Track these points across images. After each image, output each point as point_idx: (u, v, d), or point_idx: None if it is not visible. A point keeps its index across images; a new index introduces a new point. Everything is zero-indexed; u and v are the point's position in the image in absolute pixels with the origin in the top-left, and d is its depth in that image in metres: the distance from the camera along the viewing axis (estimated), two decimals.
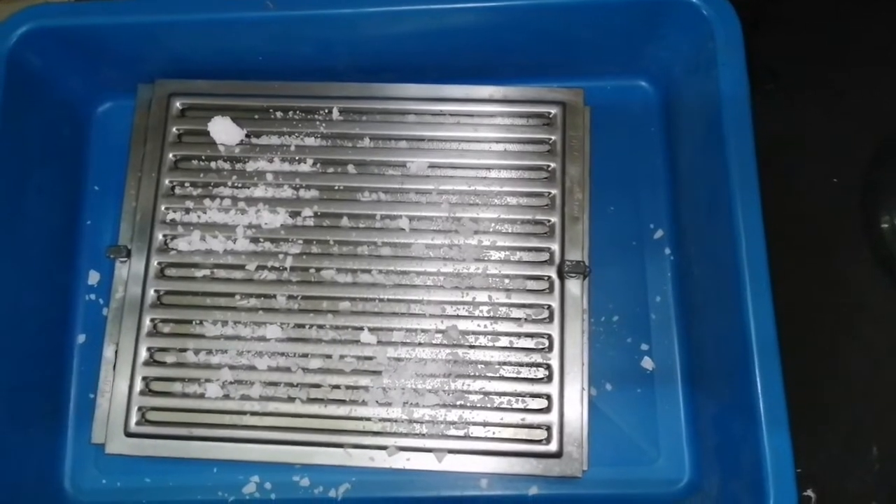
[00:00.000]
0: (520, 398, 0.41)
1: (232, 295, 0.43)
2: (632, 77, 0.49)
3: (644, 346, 0.45)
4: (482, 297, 0.42)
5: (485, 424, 0.41)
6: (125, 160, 0.46)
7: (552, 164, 0.44)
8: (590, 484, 0.42)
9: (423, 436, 0.41)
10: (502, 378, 0.42)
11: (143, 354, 0.42)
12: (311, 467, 0.43)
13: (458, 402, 0.41)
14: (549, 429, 0.41)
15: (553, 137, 0.44)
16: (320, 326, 0.42)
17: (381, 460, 0.41)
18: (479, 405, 0.41)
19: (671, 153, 0.47)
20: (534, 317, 0.42)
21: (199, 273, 0.43)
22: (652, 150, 0.48)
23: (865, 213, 0.47)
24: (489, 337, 0.42)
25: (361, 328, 0.42)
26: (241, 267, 0.43)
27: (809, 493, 0.43)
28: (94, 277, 0.47)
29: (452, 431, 0.41)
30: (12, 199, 0.42)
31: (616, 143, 0.48)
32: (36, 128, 0.44)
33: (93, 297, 0.46)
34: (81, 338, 0.46)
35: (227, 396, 0.42)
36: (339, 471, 0.42)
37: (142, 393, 0.42)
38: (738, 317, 0.38)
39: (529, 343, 0.42)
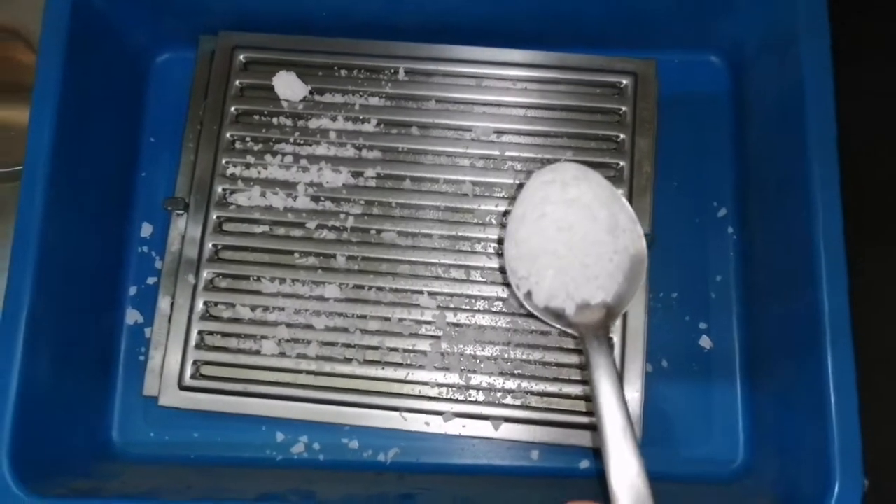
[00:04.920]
0: (580, 370, 0.41)
1: (291, 252, 0.42)
2: (701, 51, 0.48)
3: (702, 325, 0.44)
4: None
5: (543, 394, 0.41)
6: (182, 113, 0.46)
7: (621, 136, 0.43)
8: None
9: (479, 403, 0.40)
10: (562, 349, 0.41)
11: (200, 308, 0.42)
12: (360, 430, 0.42)
13: (517, 371, 0.41)
14: None
15: (623, 108, 0.43)
16: (379, 288, 0.42)
17: (436, 426, 0.40)
18: (538, 375, 0.41)
19: (739, 130, 0.46)
20: None
21: (258, 229, 0.43)
22: (719, 127, 0.47)
23: None
24: None
25: (421, 292, 0.42)
26: (301, 225, 0.43)
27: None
28: (147, 230, 0.46)
29: (510, 400, 0.41)
30: (74, 146, 0.41)
31: (682, 117, 0.47)
32: (97, 74, 0.43)
33: (145, 249, 0.46)
34: (133, 290, 0.45)
35: (282, 354, 0.41)
36: (389, 435, 0.42)
37: (197, 347, 0.41)
38: (810, 299, 0.37)
39: None
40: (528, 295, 0.38)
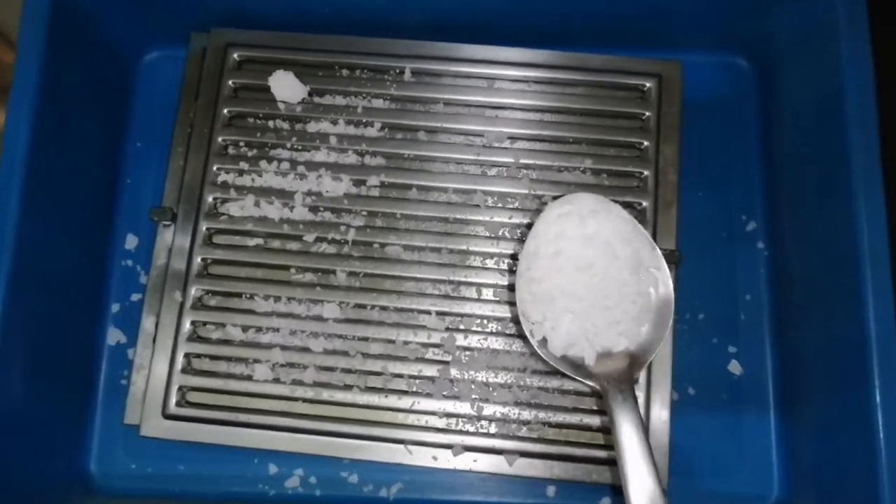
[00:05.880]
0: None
1: (287, 268, 0.39)
2: (729, 53, 0.45)
3: (732, 349, 0.41)
4: None
5: (561, 426, 0.37)
6: (171, 115, 0.43)
7: (645, 143, 0.40)
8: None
9: (492, 435, 0.37)
10: None
11: (187, 328, 0.38)
12: (360, 463, 0.39)
13: (534, 400, 0.37)
14: None
15: (647, 113, 0.40)
16: (383, 308, 0.39)
17: (444, 460, 0.37)
18: (556, 404, 0.37)
19: (769, 138, 0.43)
20: None
21: (252, 242, 0.40)
22: (747, 135, 0.44)
23: None
24: None
25: (428, 312, 0.38)
26: (299, 237, 0.39)
27: None
28: (131, 242, 0.43)
29: (525, 432, 0.37)
30: (53, 150, 0.38)
31: (707, 124, 0.44)
32: (79, 72, 0.40)
33: (129, 262, 0.43)
34: (115, 307, 0.42)
35: (276, 380, 0.38)
36: (391, 469, 0.38)
37: (183, 371, 0.38)
38: (853, 320, 0.34)
39: None
40: (543, 342, 0.36)
